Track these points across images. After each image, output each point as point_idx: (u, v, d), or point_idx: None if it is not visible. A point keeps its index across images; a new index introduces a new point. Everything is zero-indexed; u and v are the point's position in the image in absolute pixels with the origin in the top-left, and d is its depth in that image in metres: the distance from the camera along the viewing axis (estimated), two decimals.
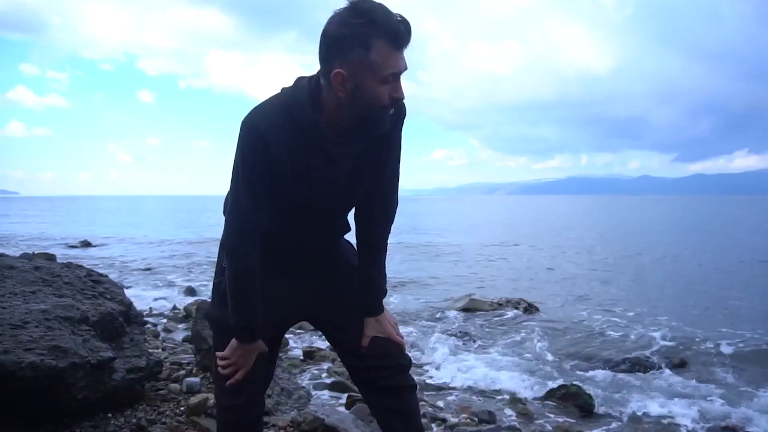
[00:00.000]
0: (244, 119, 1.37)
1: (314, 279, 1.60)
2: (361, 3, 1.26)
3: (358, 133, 1.40)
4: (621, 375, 4.59)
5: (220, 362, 1.52)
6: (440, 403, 3.88)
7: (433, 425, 3.36)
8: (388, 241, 1.63)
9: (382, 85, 1.29)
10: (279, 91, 1.43)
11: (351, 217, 1.65)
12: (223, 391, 1.54)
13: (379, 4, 1.27)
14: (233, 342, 1.49)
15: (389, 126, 1.40)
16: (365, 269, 1.59)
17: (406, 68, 1.32)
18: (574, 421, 3.64)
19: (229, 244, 1.46)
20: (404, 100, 1.39)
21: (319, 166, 1.40)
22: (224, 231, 1.47)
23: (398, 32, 1.26)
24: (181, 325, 5.86)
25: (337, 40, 1.27)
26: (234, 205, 1.42)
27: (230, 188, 1.45)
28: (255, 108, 1.40)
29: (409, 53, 1.33)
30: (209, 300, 1.73)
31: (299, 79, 1.41)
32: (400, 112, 1.46)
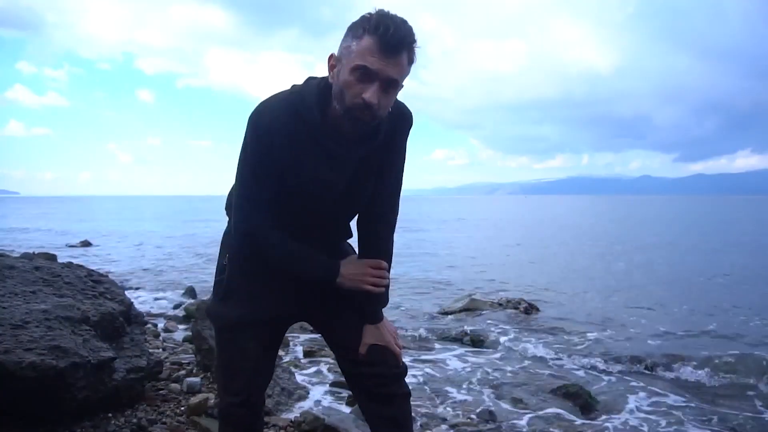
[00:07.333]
0: (252, 111, 1.40)
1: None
2: (380, 10, 1.29)
3: (360, 139, 1.42)
4: (622, 374, 4.59)
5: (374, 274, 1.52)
6: (440, 403, 3.87)
7: (433, 425, 3.36)
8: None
9: (351, 75, 1.29)
10: (290, 87, 1.44)
11: (353, 223, 1.64)
12: (225, 387, 1.59)
13: (396, 18, 1.28)
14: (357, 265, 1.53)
15: (360, 133, 1.39)
16: None
17: (388, 76, 1.29)
18: (575, 420, 3.64)
19: (247, 229, 1.45)
20: (398, 105, 1.39)
21: (320, 166, 1.42)
22: (236, 220, 1.48)
23: (386, 35, 1.25)
24: (181, 325, 5.87)
25: (346, 32, 1.33)
26: (243, 194, 1.44)
27: (236, 179, 1.46)
28: (263, 101, 1.42)
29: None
30: (210, 298, 1.75)
31: (310, 79, 1.43)
32: (405, 121, 1.48)
